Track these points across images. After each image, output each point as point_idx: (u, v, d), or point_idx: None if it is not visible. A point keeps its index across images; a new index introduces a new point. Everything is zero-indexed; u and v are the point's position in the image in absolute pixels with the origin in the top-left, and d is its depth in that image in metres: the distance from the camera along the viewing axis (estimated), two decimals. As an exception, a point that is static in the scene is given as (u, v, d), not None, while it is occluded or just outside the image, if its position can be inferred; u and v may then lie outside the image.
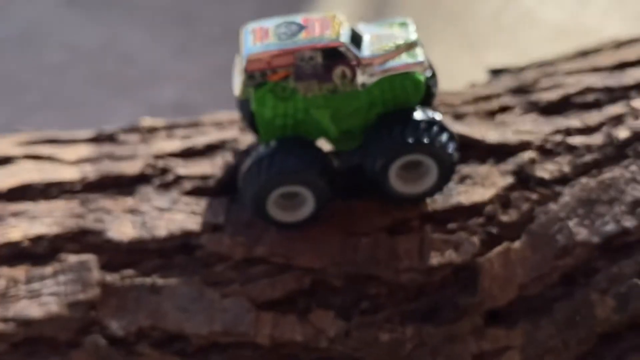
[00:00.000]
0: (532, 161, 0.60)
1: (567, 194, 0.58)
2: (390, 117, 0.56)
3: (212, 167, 0.64)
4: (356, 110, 0.56)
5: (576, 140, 0.61)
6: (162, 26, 1.53)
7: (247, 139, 0.66)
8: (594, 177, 0.58)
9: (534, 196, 0.58)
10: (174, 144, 0.68)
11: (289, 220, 0.57)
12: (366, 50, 0.54)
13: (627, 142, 0.60)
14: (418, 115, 0.55)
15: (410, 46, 0.55)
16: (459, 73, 1.36)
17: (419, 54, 0.54)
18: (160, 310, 0.57)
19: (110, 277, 0.58)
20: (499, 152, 0.62)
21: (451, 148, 0.55)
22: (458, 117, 0.67)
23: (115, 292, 0.58)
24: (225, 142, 0.67)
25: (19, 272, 0.59)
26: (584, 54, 0.75)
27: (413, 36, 0.55)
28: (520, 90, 0.69)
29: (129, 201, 0.62)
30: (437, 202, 0.59)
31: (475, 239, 0.57)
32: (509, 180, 0.59)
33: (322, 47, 0.53)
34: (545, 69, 0.73)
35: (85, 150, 0.68)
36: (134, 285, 0.58)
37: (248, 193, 0.55)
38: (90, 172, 0.65)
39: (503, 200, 0.58)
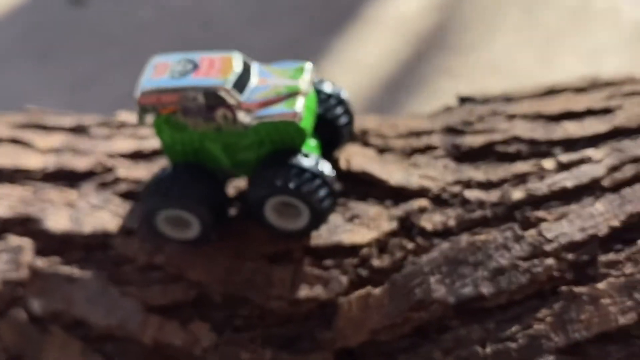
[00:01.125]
0: (422, 210, 0.62)
1: (437, 250, 0.59)
2: (274, 157, 0.59)
3: (148, 172, 0.71)
4: (247, 146, 0.60)
5: (472, 194, 0.62)
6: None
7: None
8: (472, 236, 0.59)
9: (410, 246, 0.60)
10: (129, 145, 0.74)
11: (178, 237, 0.62)
12: (249, 94, 0.58)
13: (518, 204, 0.60)
14: (294, 160, 0.58)
15: (292, 94, 0.57)
16: (521, 71, 1.33)
17: (298, 104, 0.57)
18: (73, 298, 0.65)
19: (40, 262, 0.67)
20: (398, 195, 0.63)
21: (322, 194, 0.58)
22: (382, 151, 0.68)
23: (41, 276, 0.66)
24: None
25: (-29, 246, 0.69)
26: (550, 92, 0.74)
27: (302, 85, 0.58)
28: (453, 130, 0.69)
29: (72, 195, 0.70)
30: (322, 237, 0.62)
31: (345, 279, 0.60)
32: (393, 225, 0.61)
33: (204, 90, 0.57)
34: (496, 106, 0.72)
35: (57, 140, 0.77)
36: (57, 273, 0.66)
37: (142, 209, 0.61)
38: (51, 162, 0.73)
39: (381, 244, 0.60)
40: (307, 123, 0.58)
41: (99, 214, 0.68)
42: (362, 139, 0.70)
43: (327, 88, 0.64)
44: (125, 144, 0.74)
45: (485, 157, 0.65)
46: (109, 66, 1.48)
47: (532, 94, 0.74)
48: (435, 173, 0.64)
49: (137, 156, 0.73)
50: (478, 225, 0.60)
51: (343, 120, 0.64)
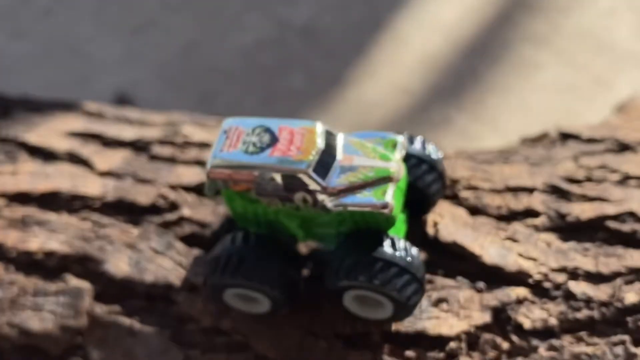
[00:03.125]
0: (520, 301, 0.54)
1: (536, 357, 0.52)
2: (356, 239, 0.52)
3: (213, 214, 0.64)
4: (327, 223, 0.52)
5: (579, 287, 0.54)
6: None
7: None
8: (576, 343, 0.51)
9: (505, 345, 0.53)
10: (194, 174, 0.67)
11: (247, 311, 0.56)
12: (333, 176, 0.50)
13: (631, 309, 0.52)
14: (380, 251, 0.50)
15: (382, 180, 0.49)
16: (617, 41, 1.19)
17: (388, 194, 0.49)
18: (133, 352, 0.61)
19: (99, 309, 0.62)
20: (493, 277, 0.56)
21: (410, 291, 0.50)
22: (474, 211, 0.60)
23: (101, 324, 0.62)
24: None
25: (30, 282, 0.64)
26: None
27: (393, 169, 0.50)
28: (558, 191, 0.60)
29: (133, 233, 0.64)
30: (404, 321, 0.55)
31: (428, 375, 0.53)
32: (486, 317, 0.54)
33: (284, 173, 0.49)
34: (606, 158, 0.62)
35: (117, 160, 0.70)
36: (117, 322, 0.61)
37: (207, 282, 0.55)
38: (111, 190, 0.67)
39: (471, 339, 0.54)
40: (396, 207, 0.50)
41: (161, 261, 0.62)
42: (453, 192, 0.62)
43: (419, 151, 0.55)
44: (190, 173, 0.67)
45: (594, 234, 0.57)
46: (170, 9, 1.38)
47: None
48: (536, 253, 0.56)
49: (201, 190, 0.66)
50: (583, 328, 0.52)
51: (434, 188, 0.55)
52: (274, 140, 0.50)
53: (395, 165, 0.50)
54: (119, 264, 0.62)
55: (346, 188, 0.49)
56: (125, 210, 0.66)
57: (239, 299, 0.55)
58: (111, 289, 0.62)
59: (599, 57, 1.18)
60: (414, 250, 0.51)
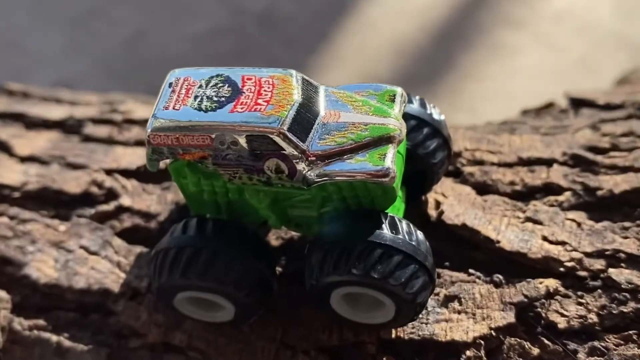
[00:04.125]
0: (551, 294, 0.42)
1: (579, 365, 0.40)
2: (345, 222, 0.39)
3: (160, 202, 0.51)
4: (305, 202, 0.40)
5: (622, 275, 0.42)
6: None
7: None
8: (623, 345, 0.40)
9: (535, 351, 0.41)
10: (136, 155, 0.55)
11: (204, 319, 0.43)
12: (315, 138, 0.37)
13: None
14: (378, 234, 0.38)
15: (379, 141, 0.37)
16: (597, 22, 1.10)
17: (388, 157, 0.37)
18: (61, 378, 0.47)
19: (19, 324, 0.48)
20: (513, 266, 0.44)
21: (417, 286, 0.38)
22: (482, 190, 0.49)
23: (21, 341, 0.48)
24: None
25: None
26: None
27: (393, 126, 0.38)
28: (581, 161, 0.49)
29: (60, 229, 0.51)
30: (408, 326, 0.43)
31: (439, 394, 0.41)
32: (510, 317, 0.42)
33: (250, 133, 0.37)
34: (632, 123, 0.51)
35: (41, 143, 0.57)
36: (41, 339, 0.48)
37: (153, 283, 0.42)
38: (33, 178, 0.54)
39: (493, 345, 0.42)
40: (397, 177, 0.38)
41: (95, 262, 0.49)
42: (454, 167, 0.50)
43: (418, 111, 0.43)
44: (130, 155, 0.55)
45: (631, 210, 0.45)
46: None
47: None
48: (565, 235, 0.44)
49: (147, 174, 0.53)
50: (632, 326, 0.41)
51: (439, 157, 0.44)
52: (236, 92, 0.38)
53: (396, 122, 0.38)
54: (43, 268, 0.49)
55: (332, 152, 0.37)
56: (51, 202, 0.53)
57: (194, 305, 0.43)
58: (34, 298, 0.49)
59: (581, 38, 1.09)
60: (420, 234, 0.39)
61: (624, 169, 0.47)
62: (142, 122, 0.58)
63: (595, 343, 0.40)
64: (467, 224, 0.45)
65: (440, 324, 0.42)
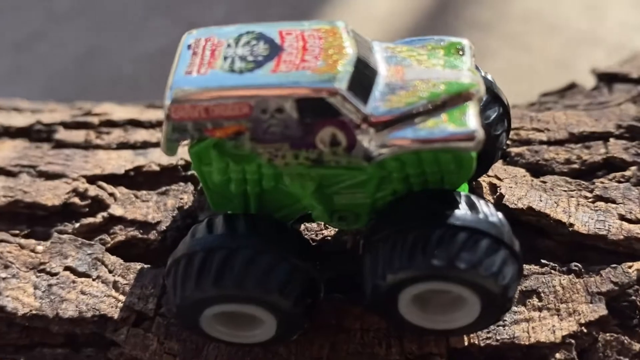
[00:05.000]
0: (644, 280, 0.36)
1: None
2: (412, 207, 0.32)
3: (158, 208, 0.43)
4: (358, 185, 0.33)
5: None
6: None
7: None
8: None
9: (636, 346, 0.34)
10: (123, 157, 0.46)
11: (236, 341, 0.35)
12: (379, 100, 0.30)
13: None
14: (458, 216, 0.31)
15: (459, 98, 0.30)
16: (565, 22, 1.08)
17: (471, 116, 0.30)
18: None
19: (-7, 368, 0.39)
20: (592, 252, 0.38)
21: (509, 276, 0.31)
22: (535, 171, 0.42)
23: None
24: (189, 166, 0.45)
25: None
26: None
27: (469, 78, 0.31)
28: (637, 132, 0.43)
29: (37, 249, 0.42)
30: (481, 332, 0.36)
31: (530, 408, 0.34)
32: (600, 309, 0.35)
33: (300, 97, 0.29)
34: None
35: (5, 151, 0.48)
36: (22, 386, 0.38)
37: (173, 299, 0.34)
38: (1, 191, 0.44)
39: (584, 344, 0.35)
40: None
41: (85, 286, 0.40)
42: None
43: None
44: (115, 159, 0.46)
45: None
46: (60, 18, 1.16)
47: None
48: (646, 212, 0.38)
49: (137, 179, 0.45)
50: None
51: (500, 128, 0.37)
52: (275, 49, 0.30)
53: (473, 76, 0.31)
54: (20, 297, 0.40)
55: (400, 116, 0.30)
56: (23, 219, 0.44)
57: (225, 324, 0.34)
58: (11, 334, 0.40)
59: (553, 38, 1.06)
60: (500, 214, 0.32)
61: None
62: (123, 124, 0.49)
63: None
64: (534, 207, 0.38)
65: (520, 324, 0.35)
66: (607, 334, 0.35)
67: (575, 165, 0.42)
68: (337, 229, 0.39)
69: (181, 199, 0.43)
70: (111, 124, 0.50)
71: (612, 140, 0.43)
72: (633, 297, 0.36)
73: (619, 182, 0.41)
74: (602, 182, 0.40)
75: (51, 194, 0.44)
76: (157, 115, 0.51)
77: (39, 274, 0.41)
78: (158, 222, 0.42)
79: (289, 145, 0.30)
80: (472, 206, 0.32)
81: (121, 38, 1.13)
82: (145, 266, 0.40)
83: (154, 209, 0.43)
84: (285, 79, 0.29)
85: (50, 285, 0.40)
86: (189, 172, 0.44)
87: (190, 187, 0.44)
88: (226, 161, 0.32)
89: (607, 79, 0.52)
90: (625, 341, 0.34)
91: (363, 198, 0.33)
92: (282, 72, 0.29)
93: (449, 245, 0.30)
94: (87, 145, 0.48)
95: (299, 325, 0.34)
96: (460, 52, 0.32)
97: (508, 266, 0.31)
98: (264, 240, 0.32)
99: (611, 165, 0.42)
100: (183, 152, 0.46)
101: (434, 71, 0.31)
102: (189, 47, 0.31)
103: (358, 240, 0.38)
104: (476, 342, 0.35)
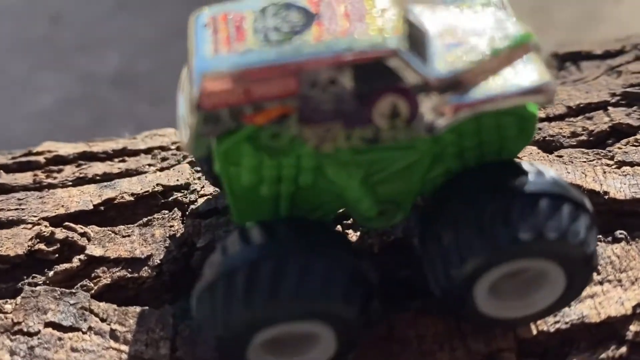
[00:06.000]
0: (698, 237, 0.34)
1: None
2: (475, 182, 0.29)
3: (145, 241, 0.37)
4: (407, 168, 0.29)
5: None
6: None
7: (205, 187, 0.39)
8: None
9: None
10: (87, 192, 0.40)
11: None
12: (437, 61, 0.27)
13: None
14: (532, 182, 0.27)
15: (520, 51, 0.27)
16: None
17: (540, 68, 0.27)
18: None
19: None
20: (629, 217, 0.36)
21: (592, 244, 0.28)
22: (545, 148, 0.40)
23: None
24: (169, 191, 0.39)
25: None
26: None
27: (519, 30, 0.28)
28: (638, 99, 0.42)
29: (6, 309, 0.34)
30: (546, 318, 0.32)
31: (617, 391, 0.31)
32: (663, 273, 0.33)
33: (356, 60, 0.25)
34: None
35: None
36: None
37: (212, 331, 0.28)
38: (-58, 251, 0.37)
39: (656, 311, 0.32)
40: None
41: (77, 340, 0.33)
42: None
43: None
44: (78, 193, 0.40)
45: None
46: None
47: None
48: (676, 170, 0.37)
49: (110, 210, 0.39)
50: None
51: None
52: (310, 16, 0.26)
53: (523, 26, 0.28)
54: (-9, 369, 0.32)
55: (468, 74, 0.26)
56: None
57: (275, 352, 0.29)
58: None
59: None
60: (558, 175, 0.29)
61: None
62: (74, 159, 0.43)
63: None
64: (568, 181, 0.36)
65: (585, 302, 0.33)
66: (676, 297, 0.33)
67: (583, 137, 0.40)
68: (360, 232, 0.35)
69: (171, 226, 0.37)
70: (60, 160, 0.43)
71: (610, 108, 0.42)
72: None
73: (634, 145, 0.39)
74: (619, 148, 0.39)
75: (11, 243, 0.37)
76: (109, 146, 0.45)
77: (13, 337, 0.33)
78: (149, 256, 0.36)
79: (342, 123, 0.26)
80: (538, 172, 0.28)
81: (7, 98, 1.04)
82: (145, 308, 0.34)
83: (140, 242, 0.37)
84: (334, 46, 0.25)
85: (31, 348, 0.33)
86: (179, 195, 0.38)
87: (177, 212, 0.38)
88: (260, 157, 0.27)
89: (572, 58, 0.51)
90: (698, 302, 0.32)
91: (410, 184, 0.30)
92: (326, 39, 0.25)
93: (532, 216, 0.27)
94: (38, 186, 0.41)
95: (361, 336, 0.29)
96: (498, 5, 0.29)
97: (592, 231, 0.28)
98: (313, 244, 0.28)
99: (618, 131, 0.40)
100: (157, 178, 0.41)
101: (485, 26, 0.28)
102: (205, 26, 0.26)
103: (385, 242, 0.35)
104: (545, 328, 0.32)
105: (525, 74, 0.27)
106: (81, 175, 0.42)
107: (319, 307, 0.27)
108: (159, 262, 0.36)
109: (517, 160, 0.29)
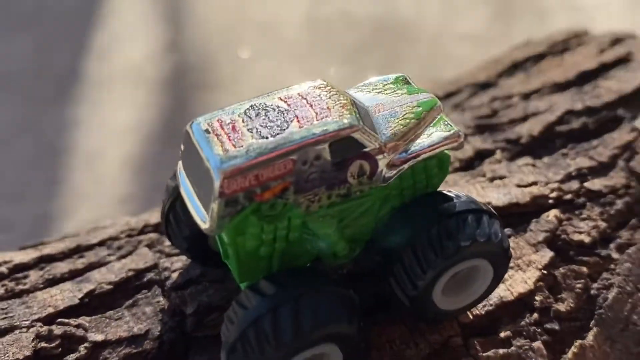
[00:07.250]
0: (560, 221, 0.46)
1: (624, 259, 0.44)
2: (417, 211, 0.38)
3: (139, 318, 0.42)
4: (367, 211, 0.38)
5: (596, 184, 0.48)
6: None
7: (173, 263, 0.45)
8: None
9: (584, 269, 0.44)
10: (67, 289, 0.44)
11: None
12: (383, 128, 0.36)
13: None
14: (458, 204, 0.37)
15: (434, 112, 0.37)
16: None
17: (449, 122, 0.37)
18: None
19: None
20: (513, 217, 0.47)
21: (506, 239, 0.39)
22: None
23: None
24: (141, 273, 0.45)
25: None
26: (516, 66, 0.63)
27: (429, 97, 0.38)
28: (488, 128, 0.54)
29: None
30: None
31: (538, 345, 0.41)
32: (547, 253, 0.44)
33: (332, 136, 0.34)
34: (493, 91, 0.59)
35: None
36: None
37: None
38: (-54, 371, 0.39)
39: (550, 281, 0.44)
40: None
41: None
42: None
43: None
44: (58, 292, 0.44)
45: (553, 142, 0.52)
46: None
47: (500, 74, 0.62)
48: (532, 177, 0.49)
49: (93, 301, 0.44)
50: (631, 217, 0.47)
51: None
52: (286, 112, 0.34)
53: (430, 94, 0.38)
54: None
55: (402, 136, 0.36)
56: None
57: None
58: None
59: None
60: (473, 198, 0.40)
61: (523, 119, 0.54)
62: (34, 265, 0.47)
63: (619, 240, 0.45)
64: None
65: (500, 287, 0.43)
66: (560, 269, 0.44)
67: (457, 164, 0.51)
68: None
69: (158, 301, 0.43)
70: (22, 267, 0.47)
71: (469, 137, 0.53)
72: (563, 236, 0.45)
73: (496, 163, 0.51)
74: (487, 167, 0.50)
75: (15, 348, 0.40)
76: (58, 247, 0.49)
77: None
78: (147, 331, 0.41)
79: (325, 187, 0.34)
80: (457, 196, 0.38)
81: None
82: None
83: (135, 321, 0.42)
84: (315, 130, 0.33)
85: None
86: (151, 274, 0.44)
87: (158, 289, 0.44)
88: (261, 225, 0.35)
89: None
90: (576, 268, 0.44)
91: (368, 223, 0.38)
92: (307, 127, 0.34)
93: (465, 228, 0.37)
94: (11, 294, 0.45)
95: (361, 348, 0.37)
96: (406, 82, 0.39)
97: (503, 231, 0.38)
98: (314, 283, 0.36)
99: (481, 154, 0.52)
100: (124, 265, 0.46)
101: (404, 98, 0.37)
102: (206, 132, 0.34)
103: (354, 266, 0.42)
104: (477, 312, 0.42)
105: (441, 128, 0.37)
106: (49, 277, 0.46)
107: (331, 331, 0.35)
108: (158, 333, 0.41)
109: (439, 190, 0.39)
